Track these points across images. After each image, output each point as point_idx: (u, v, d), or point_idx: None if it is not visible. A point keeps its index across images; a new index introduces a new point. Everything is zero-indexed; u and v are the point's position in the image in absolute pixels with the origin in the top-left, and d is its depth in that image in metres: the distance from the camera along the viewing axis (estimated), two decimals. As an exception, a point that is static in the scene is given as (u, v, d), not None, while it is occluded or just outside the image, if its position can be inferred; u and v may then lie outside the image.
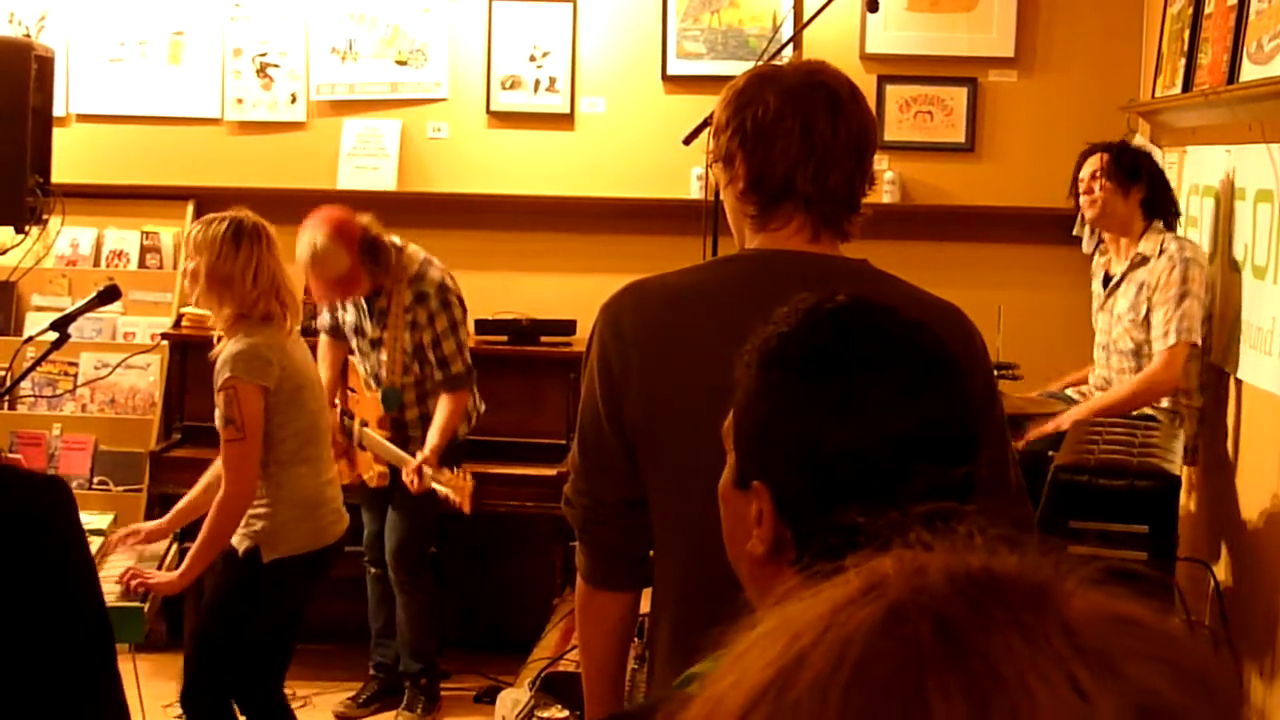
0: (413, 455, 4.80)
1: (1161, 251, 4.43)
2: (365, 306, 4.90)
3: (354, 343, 4.99)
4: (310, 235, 4.66)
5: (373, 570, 5.14)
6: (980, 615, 0.57)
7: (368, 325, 4.93)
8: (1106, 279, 4.67)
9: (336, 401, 4.95)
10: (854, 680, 0.56)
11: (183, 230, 3.82)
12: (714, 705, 0.60)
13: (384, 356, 4.90)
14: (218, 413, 3.80)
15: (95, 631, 1.65)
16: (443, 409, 4.88)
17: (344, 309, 4.96)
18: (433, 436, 4.82)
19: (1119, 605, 0.59)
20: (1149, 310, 4.43)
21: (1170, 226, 4.54)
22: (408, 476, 4.73)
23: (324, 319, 5.06)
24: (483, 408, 5.16)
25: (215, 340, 3.91)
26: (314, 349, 5.03)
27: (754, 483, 1.36)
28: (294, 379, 3.85)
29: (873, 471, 1.28)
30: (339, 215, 4.73)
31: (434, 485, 4.71)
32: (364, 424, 4.93)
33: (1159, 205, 4.53)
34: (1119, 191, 4.51)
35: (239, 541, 3.84)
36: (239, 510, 3.79)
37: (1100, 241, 4.84)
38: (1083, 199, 4.62)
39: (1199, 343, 4.35)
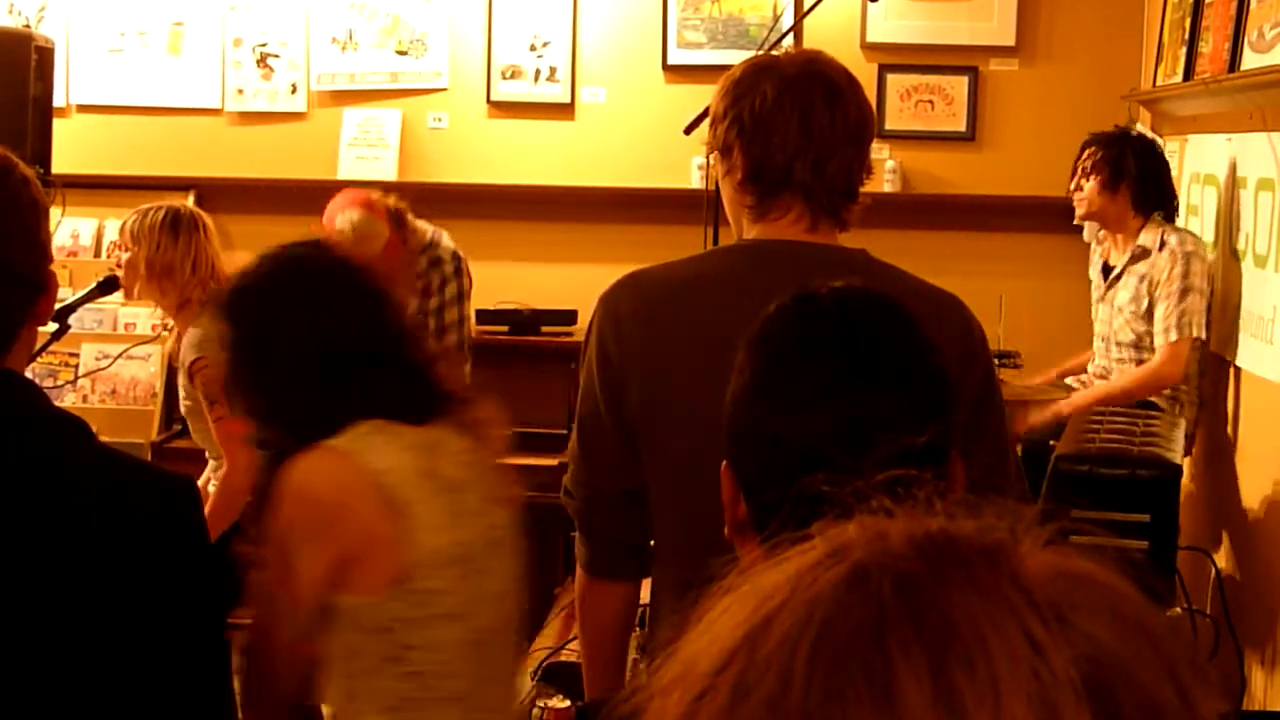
0: None
1: (1162, 245, 4.41)
2: None
3: None
4: (344, 217, 4.54)
5: None
6: (938, 573, 0.60)
7: None
8: (1106, 270, 4.65)
9: None
10: (820, 637, 0.58)
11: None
12: (687, 666, 0.62)
13: None
14: (197, 395, 3.81)
15: (218, 635, 1.66)
16: None
17: None
18: None
19: (1070, 562, 0.62)
20: (1151, 304, 4.42)
21: (1170, 218, 4.52)
22: None
23: None
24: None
25: (167, 328, 3.96)
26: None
27: (724, 462, 1.39)
28: None
29: (818, 458, 1.26)
30: (358, 193, 4.70)
31: None
32: None
33: (1154, 199, 4.50)
34: (1106, 189, 4.49)
35: None
36: (244, 487, 3.81)
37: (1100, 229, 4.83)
38: (1073, 195, 4.61)
39: (1203, 336, 4.35)
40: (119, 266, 3.93)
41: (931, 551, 0.61)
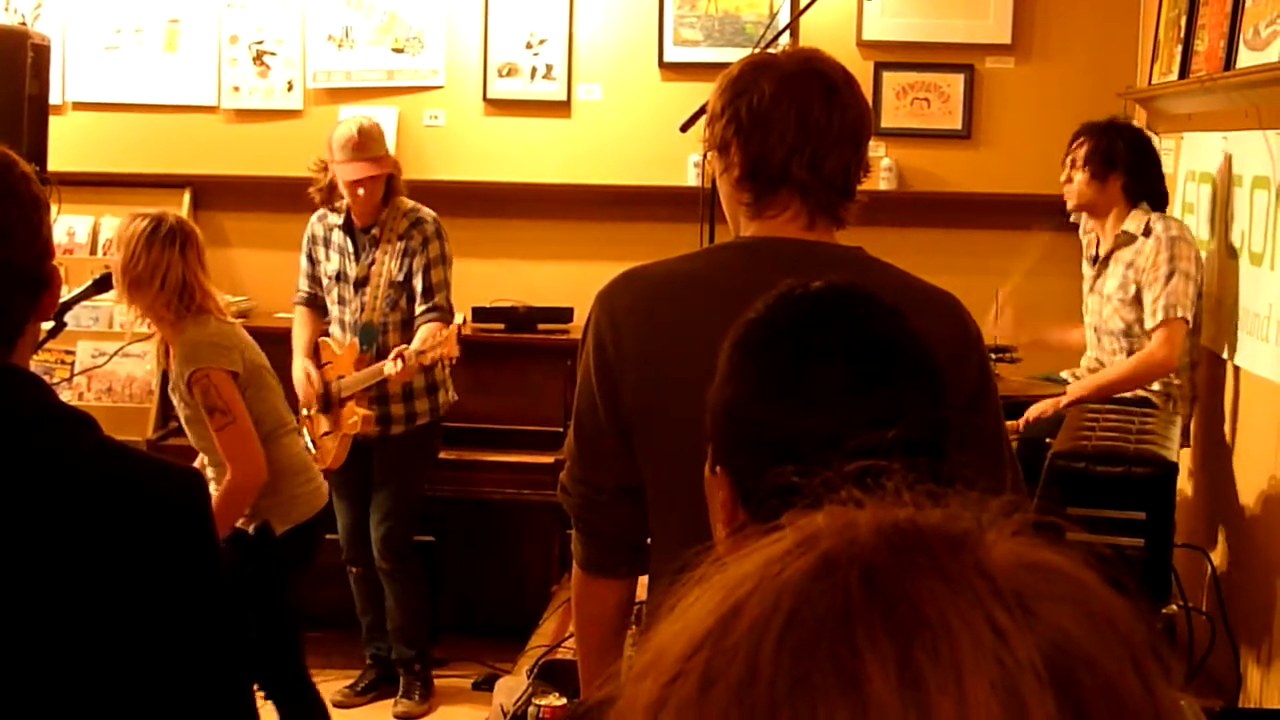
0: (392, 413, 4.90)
1: (1148, 231, 4.40)
2: (351, 247, 4.91)
3: (335, 293, 4.97)
4: (355, 119, 4.88)
5: (354, 570, 5.11)
6: (904, 562, 0.61)
7: (351, 267, 4.92)
8: (1095, 258, 4.65)
9: (311, 393, 4.93)
10: (788, 625, 0.59)
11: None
12: (658, 653, 0.63)
13: (366, 297, 4.90)
14: (196, 405, 3.81)
15: (229, 630, 1.66)
16: (425, 330, 4.86)
17: (328, 258, 4.97)
18: (414, 344, 4.80)
19: (1036, 553, 0.63)
20: (1138, 291, 4.41)
21: (1158, 207, 4.50)
22: (391, 363, 4.69)
23: (301, 290, 5.06)
24: (454, 397, 5.10)
25: (145, 327, 3.96)
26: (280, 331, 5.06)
27: (718, 468, 1.37)
28: (252, 360, 3.93)
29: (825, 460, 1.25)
30: None
31: (421, 360, 4.70)
32: (341, 377, 4.92)
33: (1144, 188, 4.49)
34: (1095, 180, 4.48)
35: (244, 524, 3.87)
36: (250, 492, 3.81)
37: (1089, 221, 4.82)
38: (1064, 187, 4.61)
39: (1189, 319, 4.32)
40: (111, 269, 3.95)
41: (898, 541, 0.62)
